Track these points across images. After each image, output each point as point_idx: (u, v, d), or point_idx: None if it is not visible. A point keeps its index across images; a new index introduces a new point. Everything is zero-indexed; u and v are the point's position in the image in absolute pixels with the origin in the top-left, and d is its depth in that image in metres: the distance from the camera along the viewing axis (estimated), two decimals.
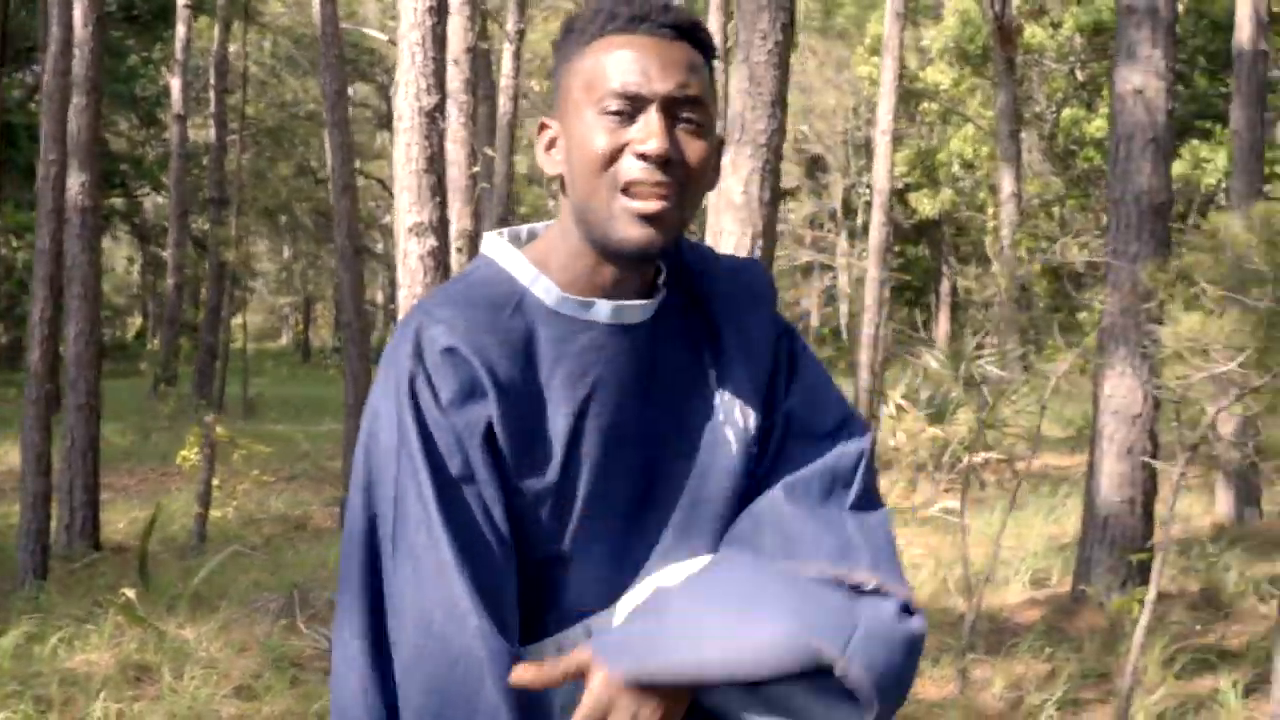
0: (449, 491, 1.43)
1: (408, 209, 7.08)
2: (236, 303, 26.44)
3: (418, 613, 1.41)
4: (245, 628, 6.81)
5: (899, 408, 12.75)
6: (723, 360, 1.60)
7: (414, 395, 1.44)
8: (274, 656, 6.18)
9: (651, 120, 1.45)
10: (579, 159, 1.49)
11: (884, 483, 12.42)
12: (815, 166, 32.89)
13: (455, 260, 8.49)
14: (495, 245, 1.57)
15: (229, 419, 16.19)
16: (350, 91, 28.37)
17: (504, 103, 6.60)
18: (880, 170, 12.63)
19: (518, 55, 6.43)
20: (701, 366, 1.60)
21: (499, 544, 1.45)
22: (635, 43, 1.48)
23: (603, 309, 1.52)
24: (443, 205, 7.24)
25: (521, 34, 6.55)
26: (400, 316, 7.31)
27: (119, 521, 10.14)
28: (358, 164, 32.08)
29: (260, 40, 24.85)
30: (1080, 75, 24.98)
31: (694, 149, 1.48)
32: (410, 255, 7.12)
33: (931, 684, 6.11)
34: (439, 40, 7.10)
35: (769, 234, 4.21)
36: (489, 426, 1.45)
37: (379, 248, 36.00)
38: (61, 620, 6.67)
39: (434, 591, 1.40)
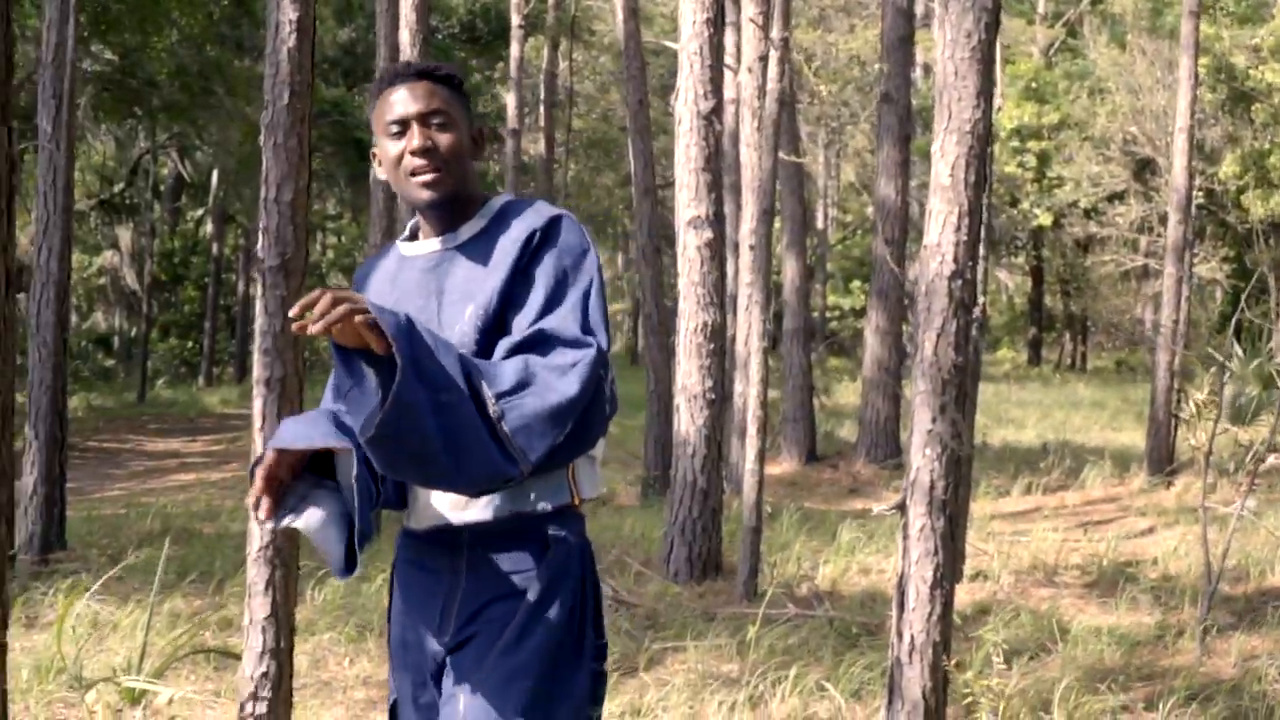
0: None
1: (687, 204, 7.76)
2: None
3: None
4: None
5: (1198, 407, 12.57)
6: (487, 276, 2.42)
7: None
8: None
9: (413, 130, 2.44)
10: (387, 164, 2.49)
11: (1179, 483, 12.34)
12: (1145, 169, 31.86)
13: (748, 257, 9.07)
14: (409, 226, 2.65)
15: None
16: (663, 105, 29.47)
17: (769, 105, 7.15)
18: (1178, 167, 12.52)
19: (783, 63, 6.96)
20: (479, 279, 2.43)
21: None
22: (395, 90, 2.47)
23: (406, 248, 2.55)
24: (719, 201, 7.88)
25: (786, 42, 7.08)
26: (680, 304, 7.98)
27: None
28: (667, 171, 33.27)
29: (587, 57, 26.18)
30: None
31: (443, 139, 2.44)
32: (689, 246, 7.80)
33: (1179, 654, 6.33)
34: (716, 49, 7.75)
35: (974, 214, 4.63)
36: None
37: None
38: (384, 565, 7.64)
39: None
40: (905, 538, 4.80)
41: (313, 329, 2.07)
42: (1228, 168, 25.64)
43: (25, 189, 25.33)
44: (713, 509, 7.98)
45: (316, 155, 29.44)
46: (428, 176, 2.43)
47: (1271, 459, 12.42)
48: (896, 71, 13.72)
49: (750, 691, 5.37)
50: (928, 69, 31.43)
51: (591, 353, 2.33)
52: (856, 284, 35.07)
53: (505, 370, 2.27)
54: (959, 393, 4.79)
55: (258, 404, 4.13)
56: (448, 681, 2.45)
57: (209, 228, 34.48)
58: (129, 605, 6.63)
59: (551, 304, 2.38)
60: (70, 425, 18.83)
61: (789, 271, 14.65)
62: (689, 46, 7.71)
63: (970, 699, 5.03)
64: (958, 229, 4.66)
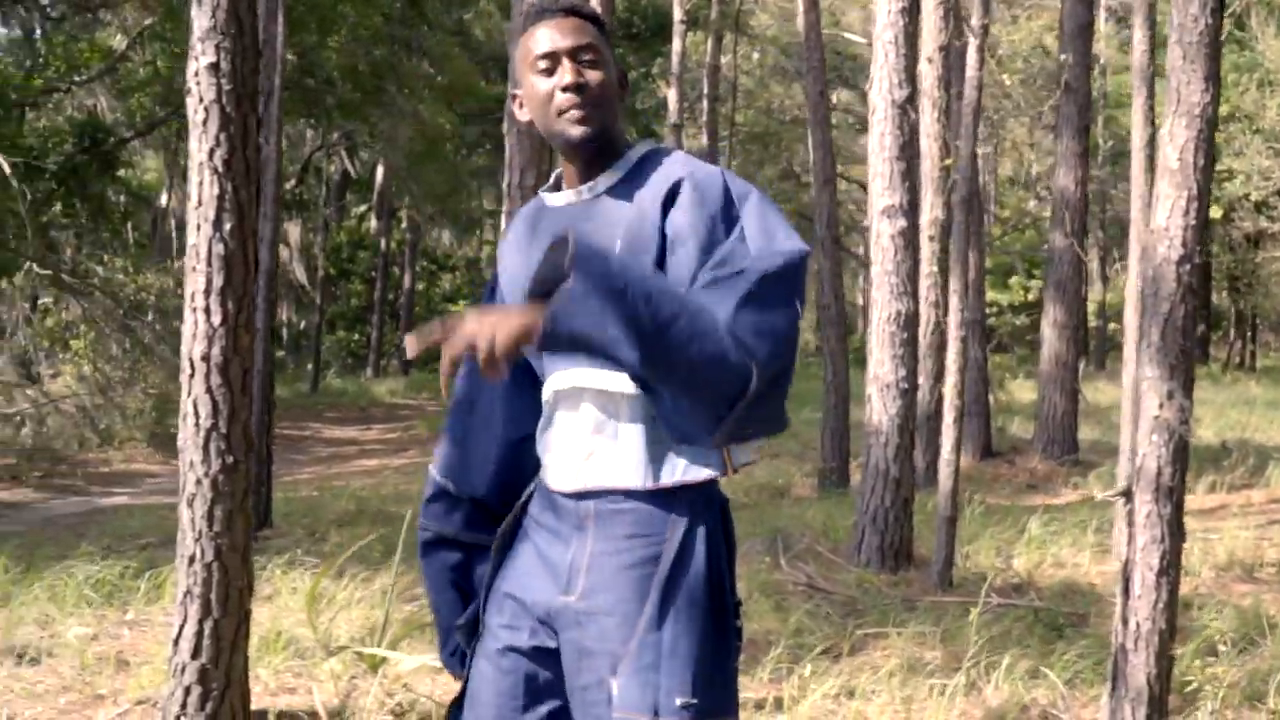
0: None
1: (880, 193, 7.76)
2: None
3: None
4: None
5: None
6: (629, 235, 2.29)
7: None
8: (759, 585, 7.02)
9: (564, 66, 2.33)
10: (533, 103, 2.37)
11: None
12: None
13: (927, 245, 9.05)
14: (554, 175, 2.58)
15: None
16: (833, 98, 29.32)
17: (969, 92, 7.12)
18: None
19: (981, 50, 6.92)
20: (615, 235, 2.30)
21: None
22: (544, 25, 2.36)
23: (546, 199, 2.48)
24: (913, 190, 7.87)
25: (985, 29, 7.03)
26: (873, 293, 7.99)
27: None
28: (839, 167, 33.13)
29: (749, 50, 26.19)
30: None
31: (593, 75, 2.34)
32: (882, 235, 7.81)
33: None
34: (910, 38, 7.74)
35: (1203, 197, 4.59)
36: (495, 274, 2.59)
37: (859, 250, 36.86)
38: None
39: None
40: (1130, 525, 4.77)
41: (486, 373, 2.03)
42: None
43: None
44: (904, 498, 7.97)
45: (479, 151, 29.97)
46: (579, 113, 2.32)
47: None
48: (1077, 60, 13.50)
49: (965, 677, 5.38)
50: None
51: (801, 249, 2.23)
52: (1016, 279, 34.51)
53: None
54: (1186, 379, 4.75)
55: None
56: (578, 656, 2.28)
57: (373, 223, 35.30)
58: (343, 580, 6.88)
59: (721, 241, 2.23)
60: None
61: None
62: (884, 36, 7.71)
63: (1193, 687, 4.99)
64: (1186, 213, 4.62)
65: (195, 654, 4.49)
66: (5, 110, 18.03)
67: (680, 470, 2.25)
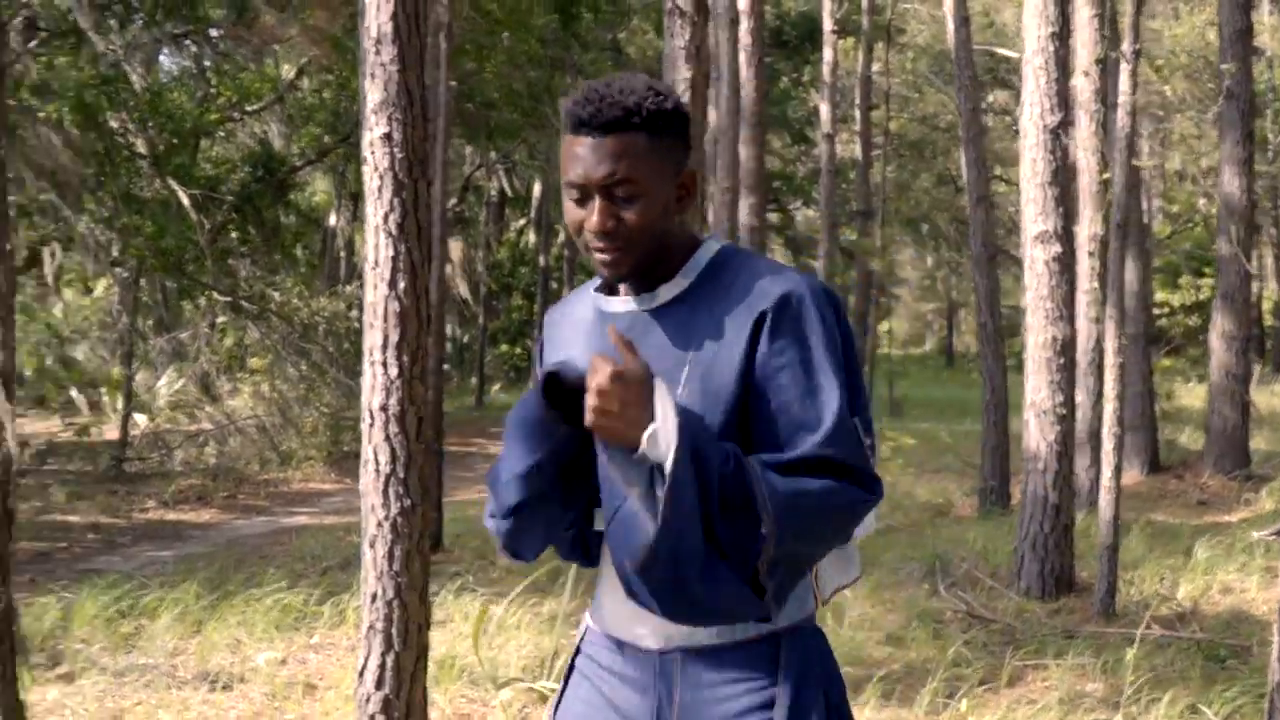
0: None
1: (1033, 219, 7.78)
2: (881, 309, 27.85)
3: None
4: (893, 590, 7.80)
5: None
6: (699, 357, 2.04)
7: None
8: (918, 613, 7.11)
9: (594, 205, 2.03)
10: (568, 218, 2.08)
11: None
12: None
13: (1086, 264, 9.02)
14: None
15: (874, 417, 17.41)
16: (989, 99, 28.98)
17: (1121, 117, 7.10)
18: None
19: (1134, 74, 6.90)
20: (680, 359, 2.05)
21: None
22: (579, 143, 2.03)
23: (601, 301, 2.19)
24: (1066, 215, 7.87)
25: (1138, 54, 7.02)
26: (1027, 318, 8.00)
27: None
28: (998, 170, 32.70)
29: (901, 58, 26.09)
30: None
31: (629, 213, 2.01)
32: (1036, 261, 7.83)
33: None
34: (1061, 62, 7.75)
35: None
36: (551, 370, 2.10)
37: (1020, 252, 36.31)
38: None
39: None
40: None
41: (588, 420, 1.91)
42: None
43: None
44: (1064, 525, 7.97)
45: None
46: (607, 257, 2.04)
47: None
48: (1237, 65, 13.22)
49: (1125, 713, 5.41)
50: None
51: (874, 501, 2.02)
52: (1186, 279, 33.63)
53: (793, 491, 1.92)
54: None
55: None
56: None
57: (530, 238, 35.94)
58: (512, 606, 7.14)
59: (817, 414, 1.97)
60: None
61: (1128, 274, 14.28)
62: (1034, 61, 7.73)
63: None
64: None
65: (379, 685, 4.78)
66: (181, 141, 18.86)
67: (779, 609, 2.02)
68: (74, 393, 19.27)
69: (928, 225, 31.08)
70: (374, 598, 4.78)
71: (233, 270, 19.98)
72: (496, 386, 32.21)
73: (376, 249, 4.72)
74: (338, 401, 18.02)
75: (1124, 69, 6.89)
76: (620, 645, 2.14)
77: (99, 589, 7.97)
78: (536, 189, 32.90)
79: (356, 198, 29.39)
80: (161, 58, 19.39)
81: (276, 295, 19.31)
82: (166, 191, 17.86)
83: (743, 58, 10.14)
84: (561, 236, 35.59)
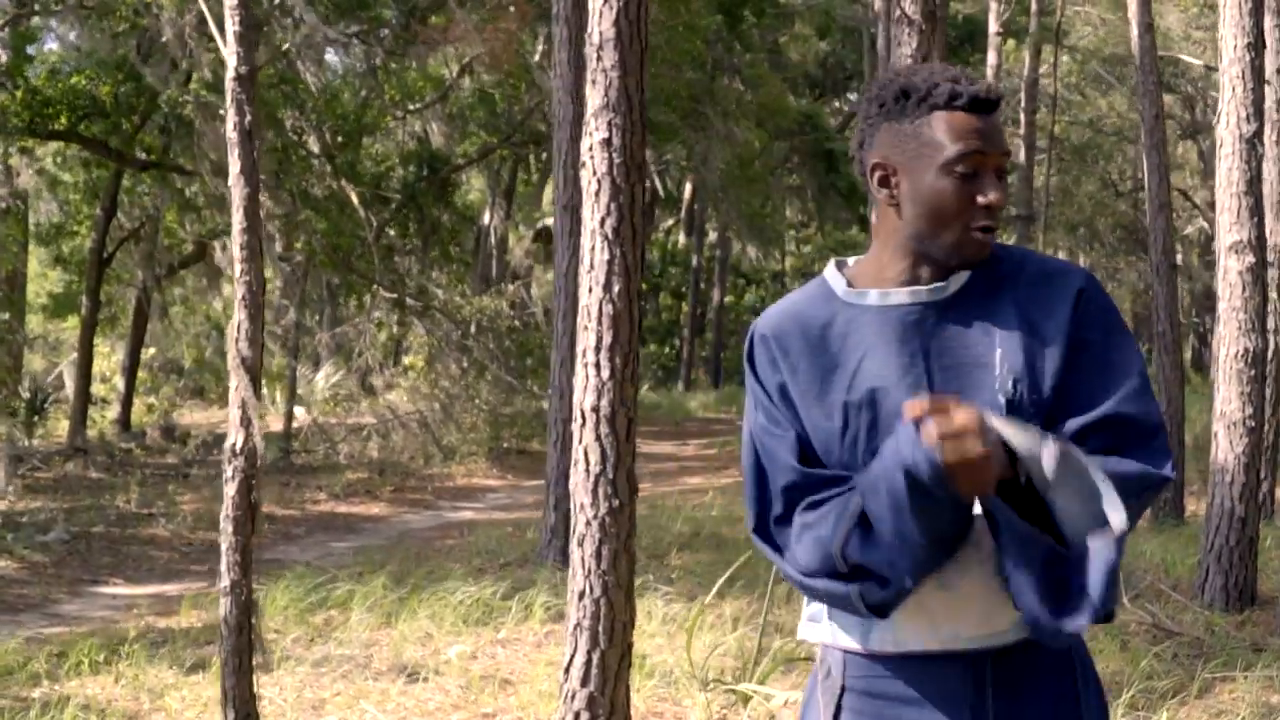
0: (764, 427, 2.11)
1: (1228, 229, 7.64)
2: None
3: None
4: None
5: None
6: (1009, 343, 2.01)
7: (750, 363, 2.16)
8: (1103, 625, 7.01)
9: (990, 179, 2.00)
10: (930, 203, 1.99)
11: None
12: None
13: (1272, 274, 8.82)
14: (829, 265, 2.19)
15: None
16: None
17: None
18: None
19: None
20: (989, 342, 2.02)
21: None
22: (974, 120, 1.99)
23: (872, 295, 2.07)
24: (1260, 225, 7.71)
25: None
26: (1219, 329, 7.86)
27: None
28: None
29: (1069, 60, 25.64)
30: None
31: (1004, 192, 2.02)
32: (1230, 271, 7.68)
33: None
34: (1258, 73, 7.59)
35: None
36: (784, 388, 2.09)
37: (1178, 259, 35.52)
38: None
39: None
40: None
41: (949, 457, 1.80)
42: None
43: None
44: (1250, 537, 7.81)
45: (786, 166, 30.28)
46: (988, 236, 2.01)
47: None
48: None
49: None
50: None
51: (1170, 478, 2.01)
52: None
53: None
54: None
55: None
56: None
57: (680, 238, 36.10)
58: (694, 606, 7.22)
59: (1119, 382, 2.01)
60: None
61: None
62: (1230, 71, 7.59)
63: None
64: None
65: (584, 682, 4.88)
66: (349, 139, 19.36)
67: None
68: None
69: (1084, 230, 30.46)
70: (581, 595, 4.87)
71: (396, 267, 20.43)
72: (645, 386, 32.39)
73: (593, 252, 4.81)
74: (496, 398, 18.34)
75: None
76: (925, 662, 2.03)
77: (289, 580, 8.25)
78: (687, 190, 33.01)
79: (510, 196, 29.83)
80: (328, 56, 19.92)
81: (440, 293, 19.70)
82: (337, 188, 18.34)
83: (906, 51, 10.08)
84: (713, 236, 35.70)
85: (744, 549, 9.65)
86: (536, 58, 19.98)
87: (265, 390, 19.59)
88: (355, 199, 18.57)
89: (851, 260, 2.21)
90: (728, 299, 36.48)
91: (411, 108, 21.96)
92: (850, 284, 2.11)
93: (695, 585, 7.97)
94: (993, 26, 21.60)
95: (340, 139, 19.12)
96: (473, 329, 18.78)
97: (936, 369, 2.03)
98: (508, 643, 6.95)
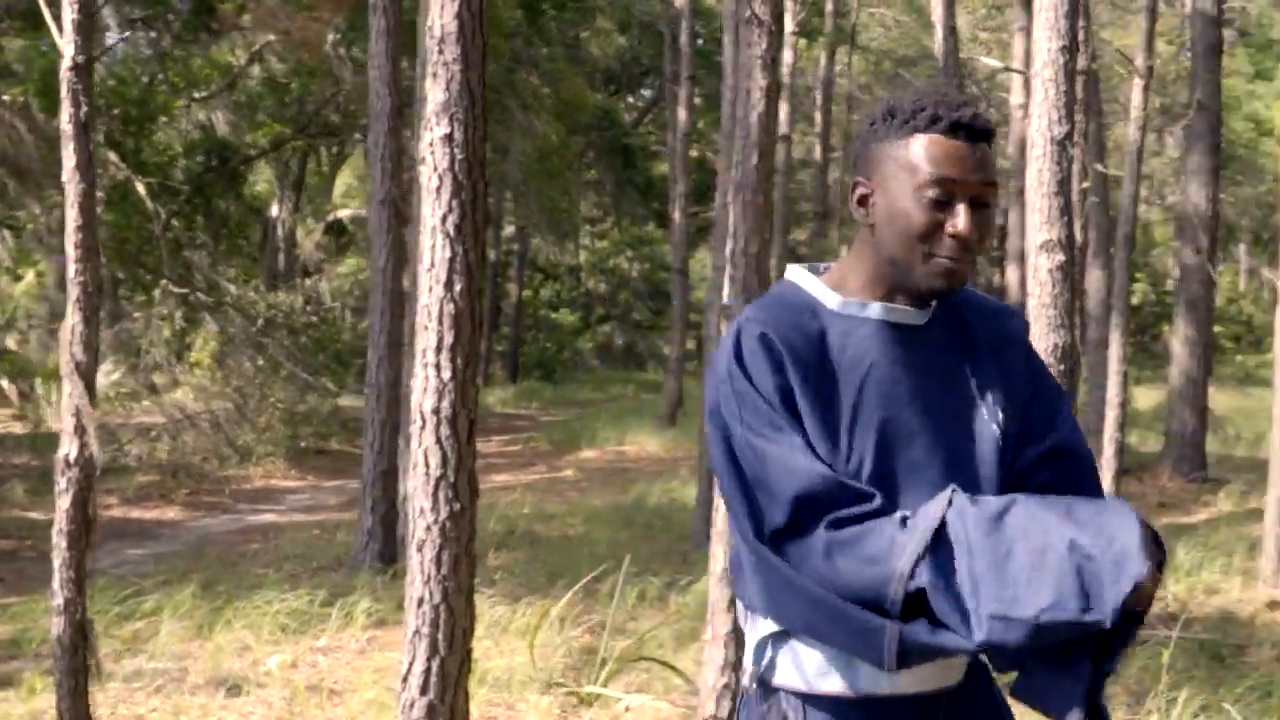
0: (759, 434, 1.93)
1: (1039, 228, 7.85)
2: None
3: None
4: None
5: None
6: (982, 377, 2.06)
7: (739, 364, 1.96)
8: None
9: (962, 210, 1.92)
10: (899, 225, 1.94)
11: None
12: None
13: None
14: (797, 272, 2.09)
15: None
16: None
17: (1133, 132, 7.22)
18: None
19: (1146, 90, 7.03)
20: (965, 374, 2.05)
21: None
22: (953, 145, 1.93)
23: (875, 309, 2.01)
24: (1070, 224, 7.96)
25: (1150, 70, 7.14)
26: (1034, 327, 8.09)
27: None
28: None
29: (862, 60, 26.25)
30: None
31: (985, 225, 1.95)
32: (1040, 269, 7.90)
33: None
34: (1070, 75, 7.83)
35: None
36: (789, 394, 1.94)
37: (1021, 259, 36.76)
38: None
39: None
40: None
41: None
42: None
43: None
44: None
45: (584, 160, 30.30)
46: (954, 265, 1.95)
47: None
48: (1208, 79, 13.46)
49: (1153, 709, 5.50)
50: None
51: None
52: (1140, 285, 34.22)
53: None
54: None
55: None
56: None
57: None
58: (517, 609, 7.11)
59: (1059, 411, 2.10)
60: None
61: (1093, 282, 14.52)
62: (1043, 73, 7.78)
63: None
64: None
65: (423, 690, 4.73)
66: (132, 125, 18.52)
67: None
68: (4, 382, 18.95)
69: None
70: (420, 601, 4.73)
71: (186, 262, 19.71)
72: None
73: (434, 250, 4.66)
74: (291, 396, 17.83)
75: (1137, 84, 7.00)
76: (885, 705, 2.00)
77: (90, 592, 7.82)
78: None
79: (300, 188, 29.12)
80: (110, 38, 19.06)
81: (232, 288, 19.07)
82: (122, 178, 17.58)
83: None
84: (509, 230, 35.47)
85: (559, 548, 9.59)
86: (327, 47, 19.49)
87: (40, 389, 18.69)
88: (142, 189, 17.83)
89: (821, 267, 2.13)
90: (525, 293, 36.33)
91: (198, 95, 21.21)
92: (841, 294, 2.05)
93: (517, 586, 7.86)
94: (789, 26, 21.95)
95: (128, 126, 18.32)
96: (260, 324, 18.22)
97: (936, 391, 2.02)
98: (329, 651, 6.73)
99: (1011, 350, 2.11)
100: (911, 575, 1.83)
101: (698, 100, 22.17)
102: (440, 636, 4.72)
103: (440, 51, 4.58)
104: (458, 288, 4.66)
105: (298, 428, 17.41)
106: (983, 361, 2.06)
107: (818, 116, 23.48)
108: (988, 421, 2.03)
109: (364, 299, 34.09)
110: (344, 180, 33.74)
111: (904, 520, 1.88)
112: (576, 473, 15.17)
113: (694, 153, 24.34)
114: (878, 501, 1.91)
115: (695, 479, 13.07)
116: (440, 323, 4.67)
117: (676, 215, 18.88)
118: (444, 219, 4.65)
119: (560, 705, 5.39)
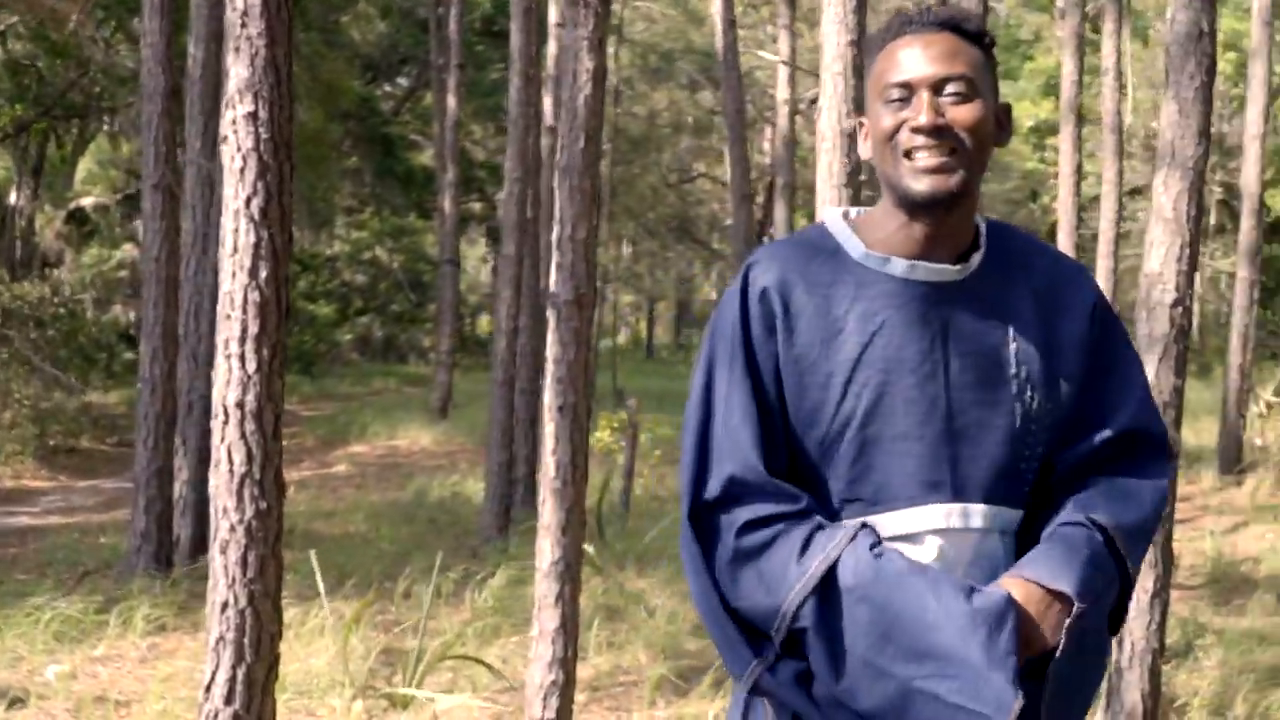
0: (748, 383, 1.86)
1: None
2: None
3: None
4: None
5: (1268, 405, 12.89)
6: (1025, 340, 1.90)
7: (743, 319, 1.88)
8: None
9: (920, 100, 1.82)
10: (875, 140, 1.87)
11: (1249, 483, 12.61)
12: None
13: None
14: (830, 214, 1.98)
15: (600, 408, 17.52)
16: (700, 97, 29.65)
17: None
18: (1250, 174, 12.77)
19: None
20: (1004, 335, 1.90)
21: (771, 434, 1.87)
22: (905, 43, 1.86)
23: (898, 265, 1.87)
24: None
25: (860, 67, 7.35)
26: None
27: None
28: (702, 167, 33.50)
29: (628, 54, 26.39)
30: None
31: (961, 112, 1.82)
32: None
33: None
34: (858, 70, 7.97)
35: (1194, 243, 4.90)
36: (775, 357, 1.86)
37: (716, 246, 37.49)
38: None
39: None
40: None
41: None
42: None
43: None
44: None
45: (343, 148, 29.66)
46: (931, 160, 1.81)
47: None
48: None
49: None
50: None
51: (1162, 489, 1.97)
52: None
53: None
54: (1178, 415, 5.05)
55: (549, 428, 4.37)
56: None
57: None
58: (312, 610, 6.85)
59: (1134, 394, 1.97)
60: (120, 420, 19.00)
61: None
62: (833, 67, 7.88)
63: (1180, 702, 5.30)
64: (1179, 259, 4.92)
65: (228, 700, 4.50)
66: None
67: None
68: None
69: (651, 217, 31.50)
70: (224, 607, 4.49)
71: None
72: None
73: (236, 234, 4.42)
74: (38, 393, 16.89)
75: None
76: None
77: None
78: None
79: (39, 174, 27.66)
80: None
81: None
82: None
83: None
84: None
85: (344, 546, 9.30)
86: (73, 24, 18.50)
87: None
88: None
89: (854, 212, 2.00)
90: None
91: None
92: (868, 247, 1.91)
93: (304, 587, 7.57)
94: (553, 18, 21.86)
95: None
96: (0, 317, 17.19)
97: (954, 358, 1.87)
98: (108, 660, 6.35)
99: (1069, 317, 1.93)
100: (795, 617, 1.78)
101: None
102: (246, 642, 4.48)
103: (244, 25, 4.34)
104: (263, 274, 4.43)
105: (46, 425, 16.50)
106: (1026, 328, 1.91)
107: None
108: (1015, 397, 1.89)
109: (108, 289, 32.69)
110: (85, 166, 32.17)
111: (809, 539, 1.80)
112: (349, 468, 14.80)
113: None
114: (802, 503, 1.83)
115: (476, 472, 12.91)
116: (245, 311, 4.43)
117: (446, 205, 18.57)
118: (248, 201, 4.41)
119: (369, 709, 5.19)
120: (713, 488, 1.84)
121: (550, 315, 4.32)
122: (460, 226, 26.42)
